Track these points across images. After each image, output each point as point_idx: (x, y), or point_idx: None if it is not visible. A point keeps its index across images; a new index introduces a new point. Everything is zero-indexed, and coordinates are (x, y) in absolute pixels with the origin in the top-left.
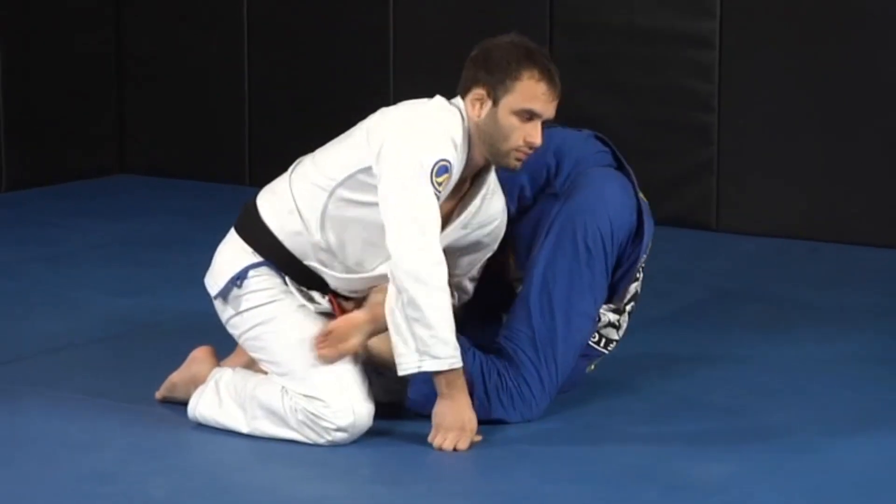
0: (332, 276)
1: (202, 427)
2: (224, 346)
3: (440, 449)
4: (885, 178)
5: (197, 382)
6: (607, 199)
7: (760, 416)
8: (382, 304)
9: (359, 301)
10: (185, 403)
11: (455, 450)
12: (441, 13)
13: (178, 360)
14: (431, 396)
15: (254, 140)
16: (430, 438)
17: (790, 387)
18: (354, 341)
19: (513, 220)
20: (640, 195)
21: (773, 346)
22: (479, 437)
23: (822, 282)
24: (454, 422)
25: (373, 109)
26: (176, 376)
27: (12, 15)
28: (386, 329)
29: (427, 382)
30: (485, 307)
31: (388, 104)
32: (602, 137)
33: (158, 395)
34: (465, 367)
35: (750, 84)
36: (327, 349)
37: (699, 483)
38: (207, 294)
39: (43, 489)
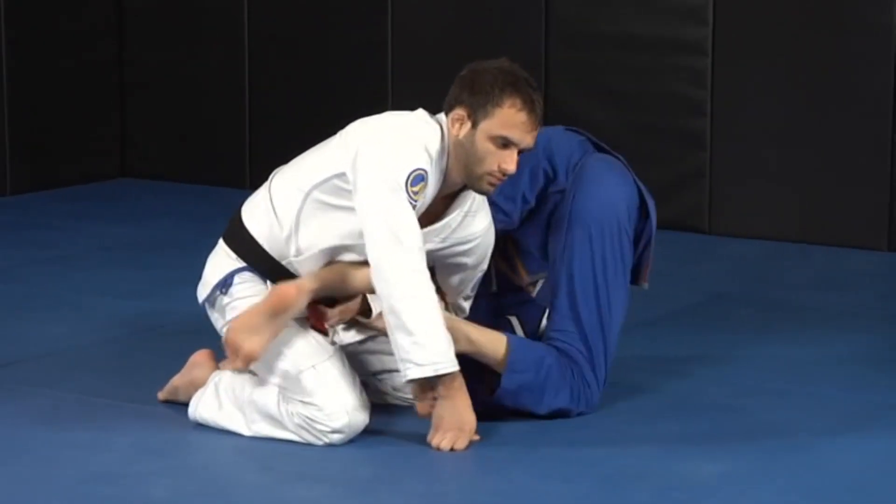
0: (298, 262)
1: (203, 427)
2: (223, 348)
3: (438, 449)
4: (874, 182)
5: (197, 386)
6: (615, 185)
7: (754, 417)
8: (281, 288)
9: (331, 304)
10: (187, 404)
11: (453, 450)
12: (438, 24)
13: (179, 361)
14: (523, 387)
15: (253, 144)
16: (428, 438)
17: (783, 387)
18: (248, 345)
19: (517, 227)
20: (633, 174)
21: (765, 347)
22: (477, 437)
23: (814, 284)
24: (453, 422)
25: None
26: (177, 380)
27: (19, 25)
28: (295, 314)
29: (517, 372)
30: (496, 310)
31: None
32: (573, 128)
33: (161, 397)
34: (550, 362)
35: (742, 90)
36: (230, 363)
37: (693, 483)
38: None
39: (45, 489)
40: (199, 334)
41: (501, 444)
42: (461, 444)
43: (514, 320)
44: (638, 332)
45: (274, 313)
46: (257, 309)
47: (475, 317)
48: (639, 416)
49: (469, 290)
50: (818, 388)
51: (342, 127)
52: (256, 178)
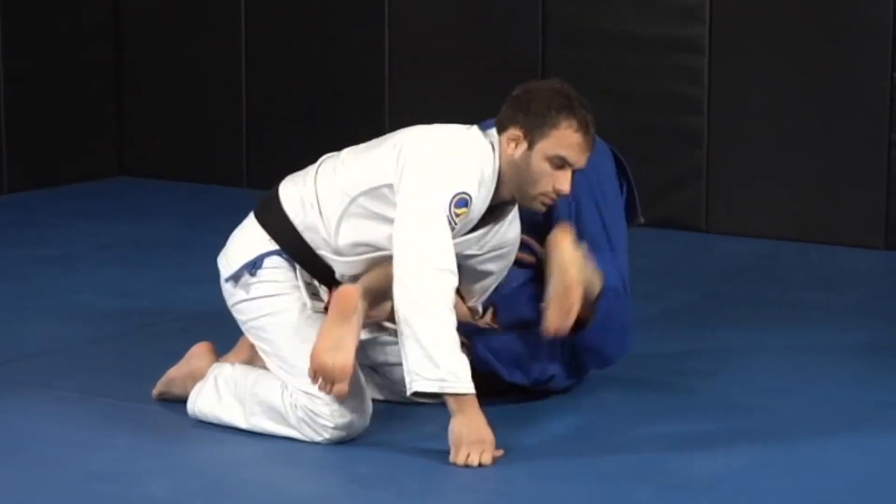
0: (339, 262)
1: (202, 426)
2: (223, 345)
3: (465, 466)
4: (872, 181)
5: (195, 378)
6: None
7: (752, 415)
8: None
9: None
10: (181, 400)
11: (480, 465)
12: (437, 24)
13: (176, 359)
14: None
15: (251, 144)
16: (451, 458)
17: (782, 387)
18: (338, 361)
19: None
20: None
21: (763, 345)
22: (500, 452)
23: (812, 283)
24: (472, 437)
25: (368, 117)
26: (174, 371)
27: (16, 23)
28: (360, 315)
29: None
30: (538, 297)
31: (384, 112)
32: None
33: (155, 391)
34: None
35: (739, 88)
36: (331, 387)
37: (693, 481)
38: (207, 293)
39: (44, 489)
40: (198, 333)
41: (500, 443)
42: (487, 458)
43: None
44: (635, 331)
45: (345, 317)
46: (327, 327)
47: (517, 307)
48: (637, 415)
49: (487, 294)
50: (818, 387)
51: (338, 124)
52: (254, 176)
